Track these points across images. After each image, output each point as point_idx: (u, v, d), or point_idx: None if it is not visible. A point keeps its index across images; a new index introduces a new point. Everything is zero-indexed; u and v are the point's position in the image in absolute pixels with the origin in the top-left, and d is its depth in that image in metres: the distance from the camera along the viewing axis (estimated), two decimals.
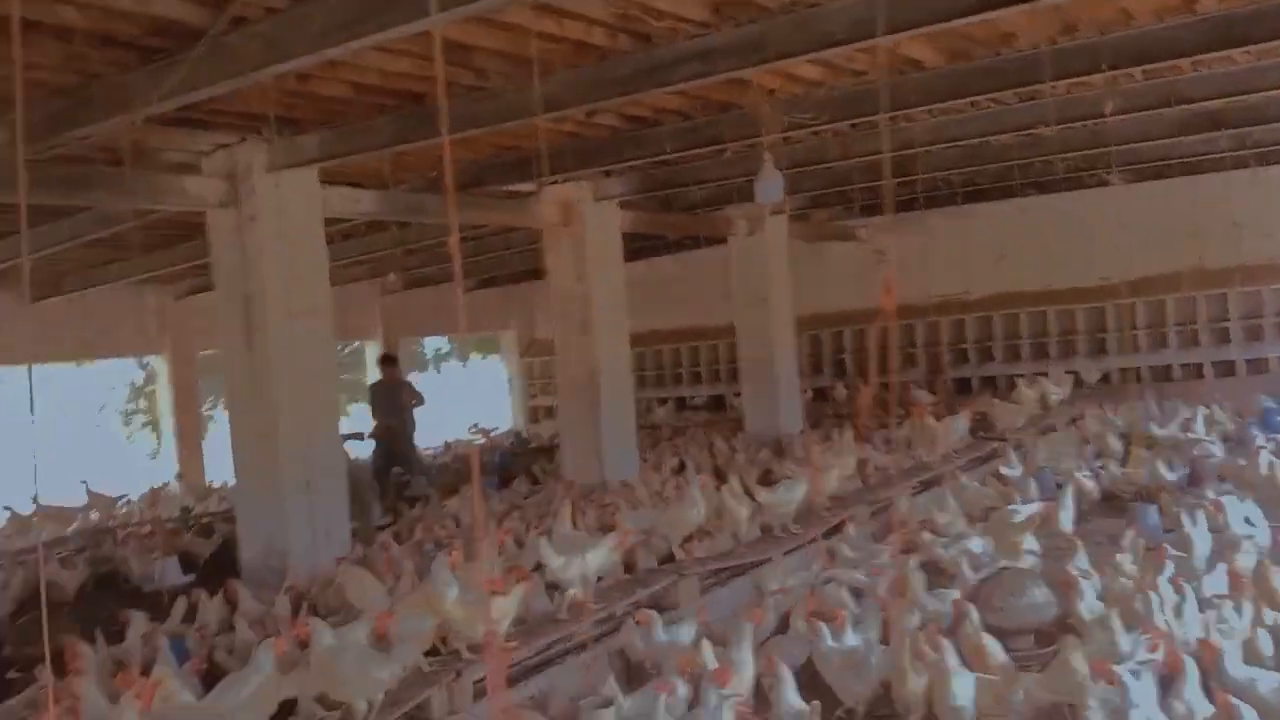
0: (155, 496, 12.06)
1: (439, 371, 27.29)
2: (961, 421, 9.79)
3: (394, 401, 11.57)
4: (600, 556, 5.28)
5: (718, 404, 16.64)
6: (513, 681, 4.63)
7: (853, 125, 8.85)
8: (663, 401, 17.12)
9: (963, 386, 14.66)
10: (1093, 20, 6.76)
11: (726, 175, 9.96)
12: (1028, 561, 6.05)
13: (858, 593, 5.61)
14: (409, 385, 12.17)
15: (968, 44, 7.10)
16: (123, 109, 5.72)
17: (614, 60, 6.30)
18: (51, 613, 7.27)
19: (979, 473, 8.89)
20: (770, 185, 6.44)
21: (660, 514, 6.32)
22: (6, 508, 11.48)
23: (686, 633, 4.85)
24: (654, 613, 5.00)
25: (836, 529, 6.92)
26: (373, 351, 17.76)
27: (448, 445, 15.91)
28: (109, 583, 8.65)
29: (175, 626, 6.04)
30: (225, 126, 7.12)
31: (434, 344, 26.38)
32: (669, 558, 6.29)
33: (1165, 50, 6.71)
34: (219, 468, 14.93)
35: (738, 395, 14.32)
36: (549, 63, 6.21)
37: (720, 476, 7.48)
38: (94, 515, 11.46)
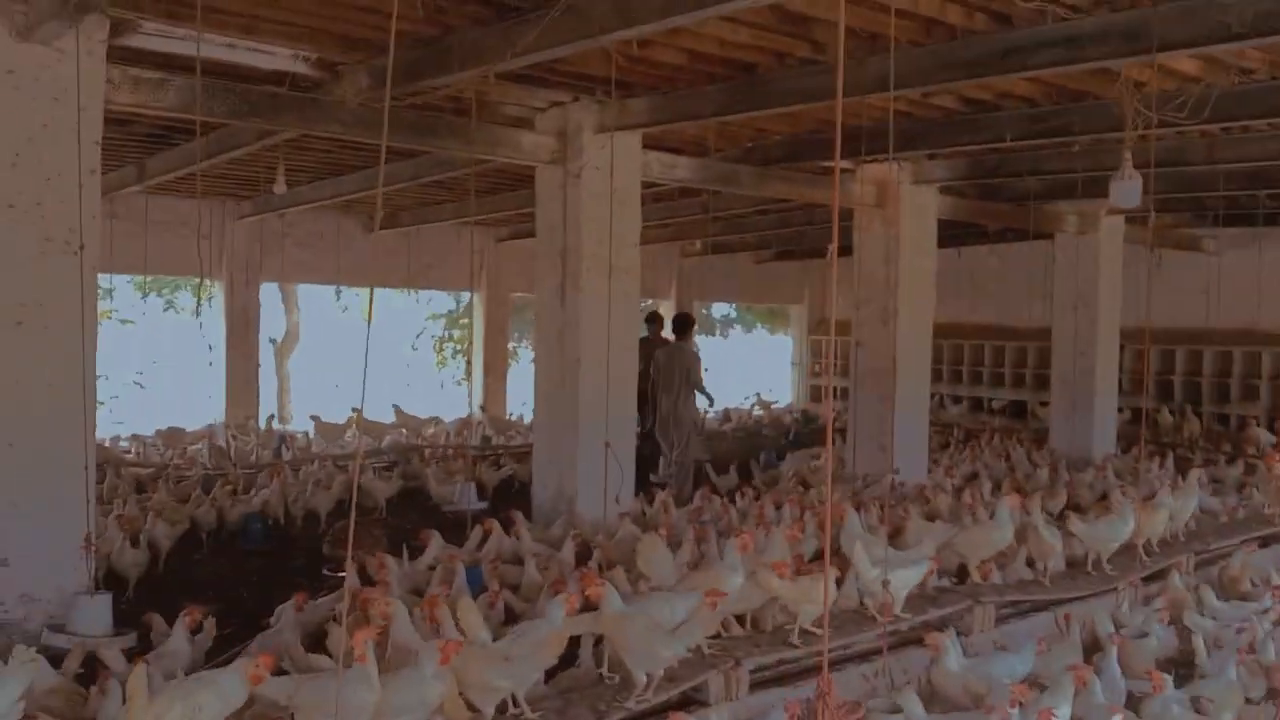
0: (462, 424, 12.95)
1: (724, 338, 27.50)
2: None
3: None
4: (909, 577, 5.01)
5: (1018, 411, 15.62)
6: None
7: (1224, 128, 7.88)
8: (957, 400, 16.27)
9: None
10: None
11: (1066, 168, 9.17)
12: None
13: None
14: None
15: None
16: (476, 62, 5.99)
17: (966, 40, 5.89)
18: (365, 518, 8.04)
19: None
20: (1129, 187, 5.79)
21: (960, 531, 5.90)
22: (314, 416, 12.74)
23: (1020, 664, 4.55)
24: (951, 632, 4.67)
25: (1160, 575, 6.21)
26: (667, 312, 18.17)
27: (727, 413, 15.99)
28: (413, 498, 9.37)
29: (471, 554, 6.39)
30: (560, 85, 7.34)
31: (720, 309, 26.56)
32: (960, 575, 5.90)
33: None
34: (518, 402, 15.90)
35: (1044, 404, 13.35)
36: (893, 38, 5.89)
37: (1021, 493, 6.92)
38: (403, 433, 12.48)
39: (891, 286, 9.61)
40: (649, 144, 8.05)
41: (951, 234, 12.02)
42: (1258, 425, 12.12)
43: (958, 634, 4.80)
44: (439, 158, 9.22)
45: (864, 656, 4.75)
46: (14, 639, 4.66)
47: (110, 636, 5.02)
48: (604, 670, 4.29)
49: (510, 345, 17.55)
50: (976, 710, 4.10)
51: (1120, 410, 12.25)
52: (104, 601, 5.30)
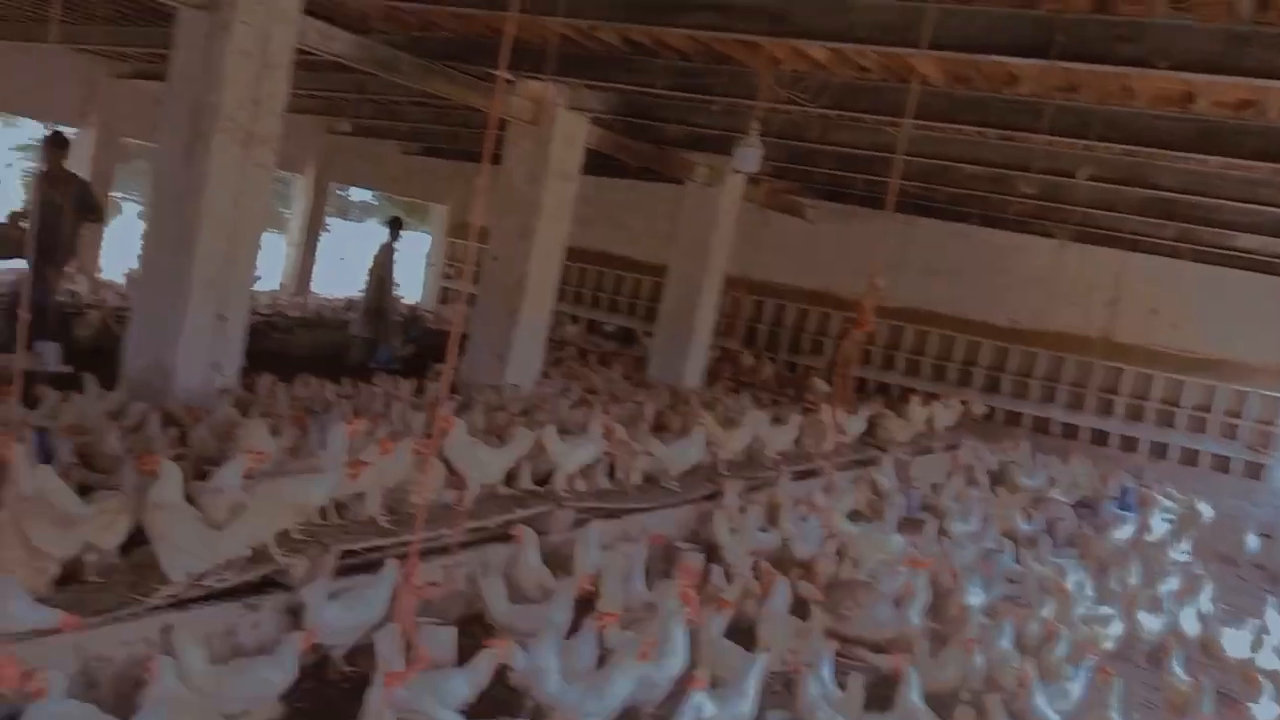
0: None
1: (359, 224, 26.67)
2: (858, 423, 10.06)
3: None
4: (499, 460, 5.45)
5: (627, 337, 16.75)
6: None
7: (839, 114, 8.94)
8: (575, 320, 17.14)
9: (859, 386, 15.06)
10: (1096, 87, 6.94)
11: (704, 123, 9.93)
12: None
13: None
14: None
15: (974, 74, 7.20)
16: None
17: None
18: None
19: (852, 475, 9.17)
20: (750, 154, 6.48)
21: (558, 444, 6.37)
22: None
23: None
24: (531, 531, 5.09)
25: (713, 496, 7.10)
26: (302, 187, 17.31)
27: (350, 303, 15.65)
28: None
29: (42, 419, 5.91)
30: None
31: (360, 195, 25.71)
32: (545, 480, 6.34)
33: (1150, 138, 6.95)
34: (118, 261, 14.47)
35: (649, 334, 14.43)
36: None
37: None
38: None
39: (533, 204, 9.89)
40: (309, 9, 7.60)
41: (593, 163, 12.55)
42: (816, 376, 13.98)
43: (538, 534, 5.24)
44: None
45: (445, 550, 5.00)
46: None
47: None
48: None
49: (114, 195, 15.83)
50: (546, 603, 4.56)
51: (711, 348, 13.59)
52: None
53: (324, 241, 18.36)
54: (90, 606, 3.68)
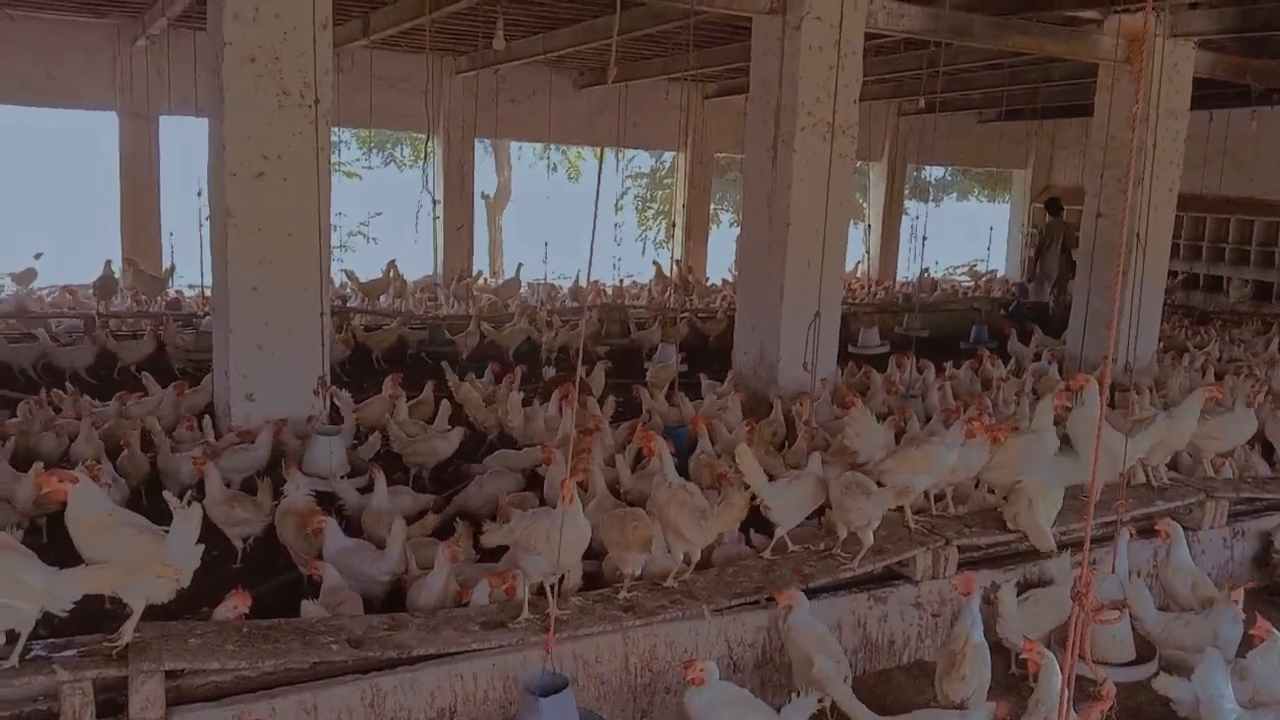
0: (664, 284, 13.09)
1: (937, 204, 26.24)
2: None
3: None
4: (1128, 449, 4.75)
5: (1261, 292, 14.23)
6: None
7: None
8: (1194, 279, 14.96)
9: None
10: None
11: None
12: None
13: None
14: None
15: None
16: None
17: None
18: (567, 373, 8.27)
19: None
20: None
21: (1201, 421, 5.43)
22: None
23: None
24: (1179, 527, 4.38)
25: None
26: (876, 174, 17.47)
27: (935, 284, 15.41)
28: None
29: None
30: None
31: (935, 173, 25.23)
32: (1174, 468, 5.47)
33: None
34: (718, 265, 15.84)
35: None
36: None
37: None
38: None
39: (1137, 153, 8.77)
40: None
41: (1203, 94, 10.80)
42: None
43: (1185, 530, 4.50)
44: (652, 10, 8.97)
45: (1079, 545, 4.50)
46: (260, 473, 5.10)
47: (343, 477, 5.28)
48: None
49: (711, 208, 17.35)
50: (1208, 613, 3.84)
51: None
52: (339, 441, 5.57)
53: (904, 225, 18.31)
54: (730, 589, 3.86)
